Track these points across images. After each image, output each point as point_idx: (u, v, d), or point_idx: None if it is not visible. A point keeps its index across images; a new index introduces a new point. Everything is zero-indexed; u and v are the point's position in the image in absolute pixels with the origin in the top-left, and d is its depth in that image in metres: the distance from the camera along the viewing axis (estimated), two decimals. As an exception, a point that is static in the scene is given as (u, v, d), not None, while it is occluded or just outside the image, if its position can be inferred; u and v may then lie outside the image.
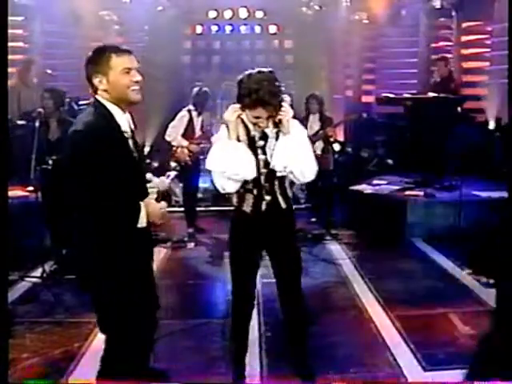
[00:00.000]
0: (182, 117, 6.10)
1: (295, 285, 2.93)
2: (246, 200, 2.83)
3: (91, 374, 3.15)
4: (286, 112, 2.72)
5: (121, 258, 2.42)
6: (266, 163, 2.77)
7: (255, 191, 2.80)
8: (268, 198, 2.80)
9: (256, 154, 2.76)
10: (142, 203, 2.45)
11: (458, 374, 3.17)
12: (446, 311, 4.09)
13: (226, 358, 3.43)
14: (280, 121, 2.71)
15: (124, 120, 2.49)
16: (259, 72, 2.66)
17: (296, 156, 2.72)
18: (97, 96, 2.48)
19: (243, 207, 2.83)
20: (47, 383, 2.98)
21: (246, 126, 2.78)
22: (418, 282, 4.76)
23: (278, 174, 2.78)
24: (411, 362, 3.33)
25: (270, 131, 2.78)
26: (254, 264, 2.92)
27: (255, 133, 2.77)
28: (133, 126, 2.58)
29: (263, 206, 2.81)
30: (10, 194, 5.99)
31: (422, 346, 3.52)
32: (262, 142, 2.77)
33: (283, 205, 2.83)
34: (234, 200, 2.90)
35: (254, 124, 2.73)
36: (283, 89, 2.72)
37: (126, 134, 2.48)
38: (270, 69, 2.72)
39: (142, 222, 2.43)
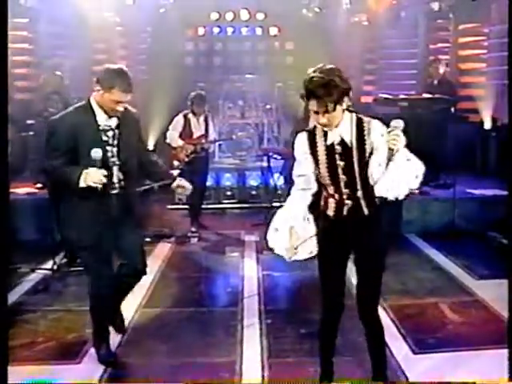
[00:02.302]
0: (178, 121, 6.44)
1: (373, 291, 2.88)
2: (329, 204, 2.82)
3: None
4: (398, 141, 2.59)
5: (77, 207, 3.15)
6: (345, 169, 2.73)
7: (337, 196, 2.78)
8: (349, 202, 2.77)
9: (334, 160, 2.73)
10: (85, 169, 3.02)
11: (444, 357, 3.42)
12: (437, 301, 4.32)
13: (226, 342, 3.68)
14: (391, 149, 2.60)
15: (103, 117, 3.15)
16: (321, 67, 2.67)
17: (399, 182, 2.65)
18: (91, 96, 3.18)
19: (327, 211, 2.82)
20: (47, 383, 3.09)
21: (325, 133, 2.76)
22: (411, 274, 4.97)
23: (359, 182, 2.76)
24: (401, 346, 3.56)
25: (350, 137, 2.72)
26: (339, 267, 2.88)
27: (334, 139, 2.73)
28: (116, 123, 3.20)
29: (345, 211, 2.78)
30: (20, 191, 6.28)
31: (412, 331, 3.75)
32: (339, 148, 2.73)
33: (366, 211, 2.76)
34: (321, 203, 2.87)
35: (325, 126, 2.71)
36: (344, 85, 2.66)
37: (100, 127, 3.13)
38: (333, 66, 2.69)
39: (82, 183, 3.01)
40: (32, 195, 6.25)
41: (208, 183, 6.94)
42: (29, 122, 6.75)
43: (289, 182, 6.79)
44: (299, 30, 9.71)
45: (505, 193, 5.20)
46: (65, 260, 5.16)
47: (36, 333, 3.79)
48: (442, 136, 6.85)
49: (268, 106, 9.16)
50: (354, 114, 2.75)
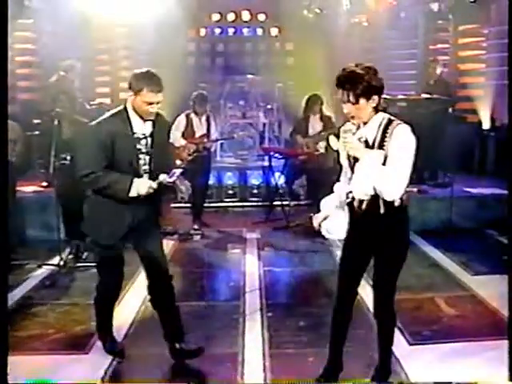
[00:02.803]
0: (180, 121, 6.55)
1: (388, 289, 2.99)
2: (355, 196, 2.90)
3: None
4: (349, 146, 2.76)
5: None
6: None
7: None
8: (368, 198, 2.84)
9: (355, 157, 2.81)
10: (135, 179, 3.17)
11: (438, 348, 3.55)
12: (433, 295, 4.46)
13: (228, 334, 3.81)
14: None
15: (139, 124, 3.21)
16: (359, 63, 2.78)
17: (372, 182, 2.75)
18: (128, 102, 3.24)
19: (353, 202, 2.90)
20: (47, 383, 3.16)
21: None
22: (409, 270, 5.04)
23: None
24: (398, 338, 3.64)
25: (373, 137, 2.78)
26: (355, 263, 2.98)
27: (359, 136, 2.80)
28: (150, 131, 3.28)
29: (364, 205, 2.85)
30: (27, 189, 6.41)
31: (408, 324, 3.87)
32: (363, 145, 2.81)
33: (382, 209, 2.81)
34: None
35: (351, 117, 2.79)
36: (373, 82, 2.72)
37: (135, 135, 3.19)
38: (371, 65, 2.78)
39: (133, 193, 3.16)
40: (38, 193, 6.38)
41: (210, 182, 7.06)
42: (35, 121, 6.86)
43: (289, 181, 7.03)
44: (300, 30, 9.79)
45: (502, 192, 5.33)
46: (71, 256, 5.29)
47: (45, 325, 3.93)
48: (441, 136, 6.96)
49: (269, 106, 9.28)
50: (386, 116, 2.82)
